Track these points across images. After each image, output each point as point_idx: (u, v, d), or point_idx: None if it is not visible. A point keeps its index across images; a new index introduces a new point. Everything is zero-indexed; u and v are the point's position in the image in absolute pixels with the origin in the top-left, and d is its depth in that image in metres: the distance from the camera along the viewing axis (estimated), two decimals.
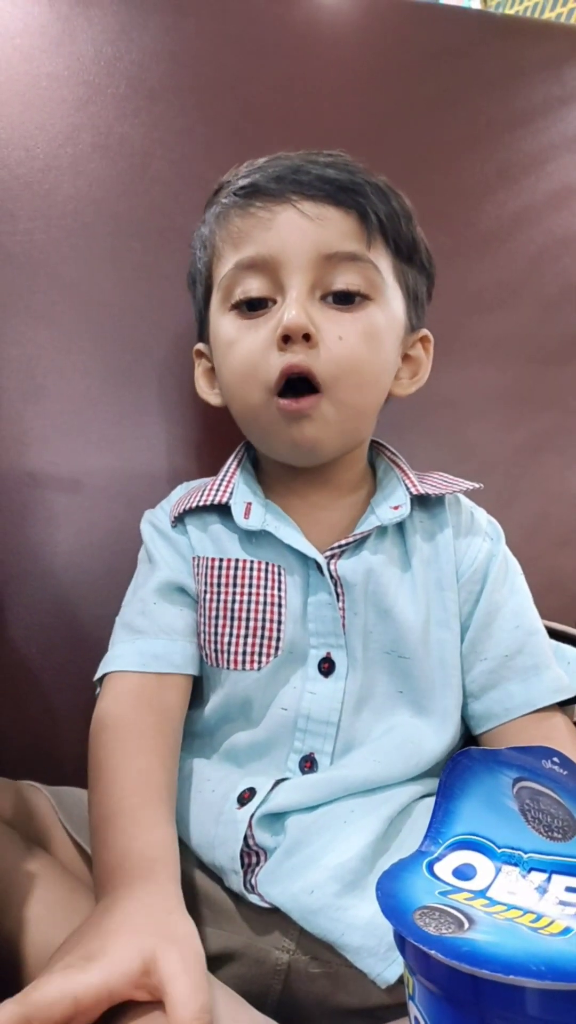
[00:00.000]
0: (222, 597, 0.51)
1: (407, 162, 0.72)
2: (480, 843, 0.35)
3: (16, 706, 0.63)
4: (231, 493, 0.53)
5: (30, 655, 0.64)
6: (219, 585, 0.51)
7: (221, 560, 0.52)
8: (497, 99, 0.78)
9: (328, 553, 0.51)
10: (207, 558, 0.52)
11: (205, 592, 0.52)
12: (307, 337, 0.47)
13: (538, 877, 0.32)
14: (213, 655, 0.51)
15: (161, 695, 0.49)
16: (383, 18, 0.77)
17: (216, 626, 0.51)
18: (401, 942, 0.29)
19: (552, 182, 0.79)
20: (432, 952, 0.26)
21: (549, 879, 0.32)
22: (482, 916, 0.29)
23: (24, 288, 0.66)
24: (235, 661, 0.50)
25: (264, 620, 0.50)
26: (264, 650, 0.50)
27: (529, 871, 0.33)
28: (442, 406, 0.74)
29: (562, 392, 0.78)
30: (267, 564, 0.51)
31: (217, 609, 0.51)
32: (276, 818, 0.46)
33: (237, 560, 0.51)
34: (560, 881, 0.32)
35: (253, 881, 0.45)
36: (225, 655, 0.50)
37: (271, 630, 0.50)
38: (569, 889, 0.31)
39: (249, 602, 0.50)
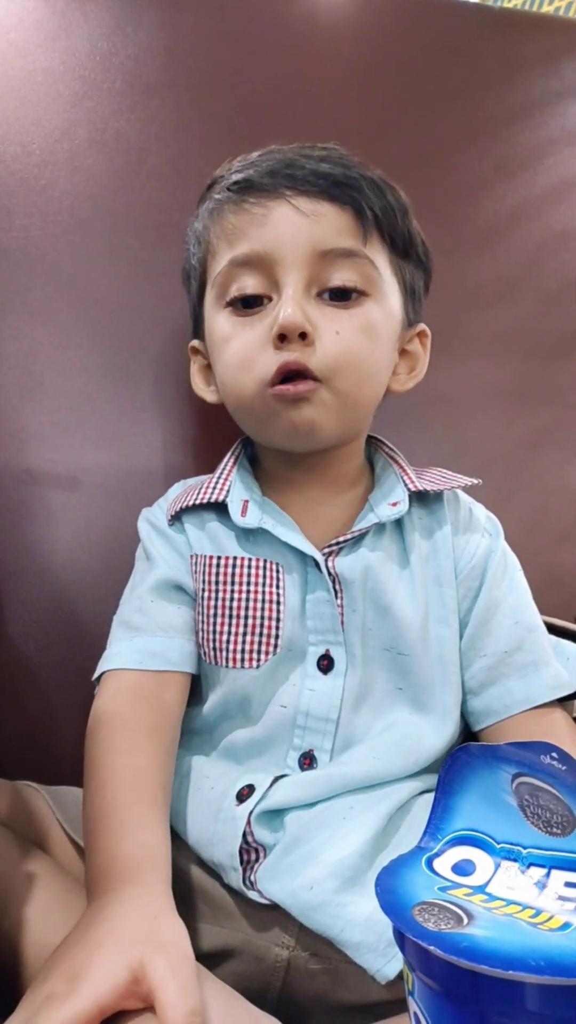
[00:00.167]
0: (220, 595, 0.51)
1: (405, 157, 0.72)
2: (479, 839, 0.35)
3: (14, 703, 0.63)
4: (228, 491, 0.53)
5: (28, 652, 0.64)
6: (217, 583, 0.51)
7: (219, 558, 0.52)
8: (495, 93, 0.78)
9: (326, 550, 0.51)
10: (205, 556, 0.52)
11: (203, 590, 0.52)
12: (303, 336, 0.47)
13: (537, 872, 0.32)
14: (212, 653, 0.51)
15: (159, 693, 0.49)
16: (380, 12, 0.77)
17: (215, 624, 0.51)
18: (400, 938, 0.29)
19: (550, 176, 0.79)
20: (431, 948, 0.26)
21: (548, 874, 0.32)
22: (481, 912, 0.29)
23: (21, 284, 0.66)
24: (234, 659, 0.50)
25: (263, 618, 0.50)
26: (263, 648, 0.50)
27: (528, 866, 0.33)
28: (441, 402, 0.74)
29: (561, 387, 0.78)
30: (265, 562, 0.51)
31: (216, 607, 0.51)
32: (275, 815, 0.46)
33: (235, 558, 0.51)
34: (559, 876, 0.32)
35: (252, 878, 0.45)
36: (224, 653, 0.50)
37: (270, 628, 0.50)
38: (568, 884, 0.31)
39: (247, 600, 0.50)
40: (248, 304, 0.50)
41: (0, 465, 0.64)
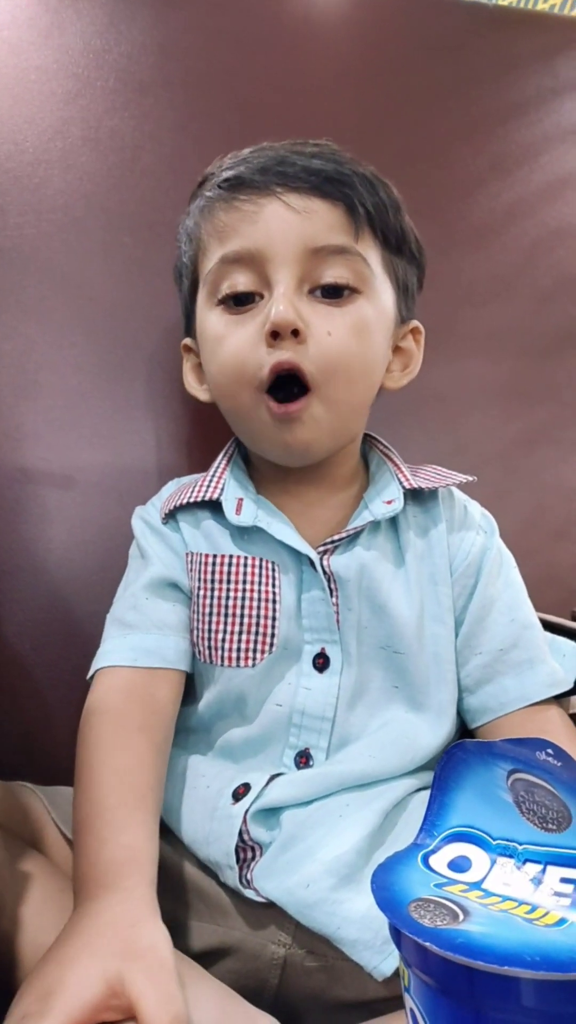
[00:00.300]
0: (216, 593, 0.51)
1: (400, 154, 0.71)
2: (475, 835, 0.35)
3: (9, 702, 0.63)
4: (222, 489, 0.53)
5: (23, 651, 0.63)
6: (213, 581, 0.51)
7: (215, 556, 0.51)
8: (490, 91, 0.78)
9: (321, 549, 0.51)
10: (200, 554, 0.52)
11: (199, 588, 0.51)
12: (296, 333, 0.47)
13: (533, 868, 0.32)
14: (207, 652, 0.51)
15: (152, 690, 0.49)
16: (375, 10, 0.77)
17: (210, 623, 0.51)
18: (397, 935, 0.29)
19: (546, 174, 0.79)
20: (427, 944, 0.26)
21: (544, 870, 0.32)
22: (477, 908, 0.29)
23: (15, 283, 0.66)
24: (229, 658, 0.50)
25: (258, 616, 0.50)
26: (258, 646, 0.50)
27: (524, 862, 0.33)
28: (436, 400, 0.74)
29: (557, 385, 0.78)
30: (260, 560, 0.51)
31: (211, 606, 0.51)
32: (271, 813, 0.46)
33: (230, 556, 0.51)
34: (555, 872, 0.32)
35: (248, 876, 0.45)
36: (219, 652, 0.50)
37: (265, 626, 0.50)
38: (564, 880, 0.31)
39: (243, 599, 0.50)
40: (240, 302, 0.50)
41: None
